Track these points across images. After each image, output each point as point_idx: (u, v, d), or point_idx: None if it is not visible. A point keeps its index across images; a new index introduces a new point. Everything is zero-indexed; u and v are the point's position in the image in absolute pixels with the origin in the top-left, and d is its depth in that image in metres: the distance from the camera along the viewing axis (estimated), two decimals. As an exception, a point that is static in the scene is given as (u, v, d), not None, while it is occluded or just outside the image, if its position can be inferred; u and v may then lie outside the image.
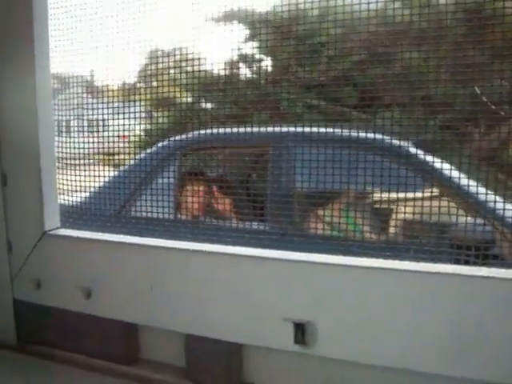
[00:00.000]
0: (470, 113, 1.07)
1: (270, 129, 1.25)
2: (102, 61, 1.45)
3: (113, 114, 1.40)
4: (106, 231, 1.36)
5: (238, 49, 1.35)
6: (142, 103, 1.44)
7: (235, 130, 1.26)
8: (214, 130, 1.33)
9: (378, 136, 1.12)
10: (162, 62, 1.36)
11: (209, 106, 1.46)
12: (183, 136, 1.42)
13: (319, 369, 1.10)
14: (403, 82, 1.12)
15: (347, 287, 1.03)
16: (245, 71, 1.41)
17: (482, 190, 1.01)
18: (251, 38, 1.32)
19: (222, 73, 1.37)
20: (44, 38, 1.37)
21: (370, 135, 1.12)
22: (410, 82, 1.11)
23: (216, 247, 1.20)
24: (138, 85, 1.48)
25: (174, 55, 1.33)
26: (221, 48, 1.33)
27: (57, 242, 1.38)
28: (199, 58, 1.30)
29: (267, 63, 1.38)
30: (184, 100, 1.41)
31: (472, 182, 1.04)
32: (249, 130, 1.25)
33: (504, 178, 1.07)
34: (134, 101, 1.42)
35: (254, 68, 1.38)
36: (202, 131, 1.37)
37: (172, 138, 1.45)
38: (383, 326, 1.00)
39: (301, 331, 1.04)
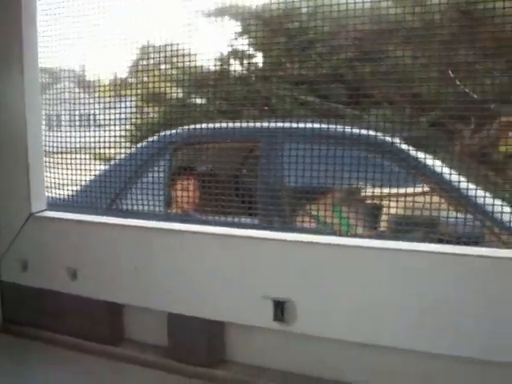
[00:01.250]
0: (460, 110, 1.08)
1: (260, 124, 1.26)
2: (93, 55, 1.46)
3: (102, 108, 1.41)
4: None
5: (230, 45, 1.36)
6: (133, 98, 1.44)
7: (226, 125, 1.27)
8: (205, 125, 1.33)
9: (368, 132, 1.13)
10: (153, 58, 1.36)
11: (200, 101, 1.46)
12: (174, 131, 1.43)
13: (300, 346, 1.12)
14: (393, 79, 1.13)
15: (325, 265, 1.05)
16: (236, 67, 1.42)
17: (470, 186, 1.03)
18: (243, 33, 1.33)
19: (214, 68, 1.37)
20: (32, 33, 1.37)
21: (360, 131, 1.13)
22: (400, 79, 1.13)
23: (197, 227, 1.23)
24: (129, 80, 1.48)
25: (164, 51, 1.33)
26: (212, 43, 1.34)
27: (43, 224, 1.40)
28: (190, 54, 1.31)
29: (258, 59, 1.39)
30: (175, 95, 1.42)
31: (461, 178, 1.05)
32: (239, 125, 1.26)
33: (493, 175, 1.08)
34: (122, 96, 1.42)
35: (245, 64, 1.39)
36: (194, 126, 1.38)
37: (163, 133, 1.45)
38: (361, 303, 1.02)
39: (280, 309, 1.06)
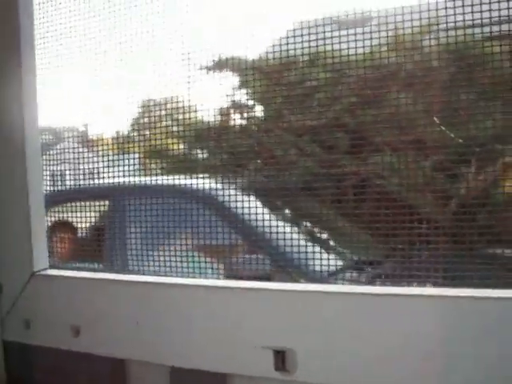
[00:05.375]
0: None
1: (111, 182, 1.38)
2: (96, 113, 1.46)
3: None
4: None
5: (230, 97, 1.35)
6: (136, 154, 1.44)
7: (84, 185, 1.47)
8: (71, 186, 1.52)
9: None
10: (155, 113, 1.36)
11: (203, 155, 1.46)
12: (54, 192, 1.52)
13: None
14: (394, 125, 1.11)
15: (323, 313, 1.05)
16: (237, 119, 1.41)
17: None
18: (242, 85, 1.32)
19: (215, 121, 1.36)
20: (31, 83, 1.41)
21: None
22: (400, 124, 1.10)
23: (194, 281, 1.26)
24: (132, 135, 1.48)
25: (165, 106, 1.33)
26: (212, 97, 1.33)
27: (45, 282, 1.40)
28: (191, 108, 1.30)
29: (259, 110, 1.38)
30: (177, 150, 1.42)
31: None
32: (95, 184, 1.45)
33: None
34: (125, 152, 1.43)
35: (246, 115, 1.38)
36: (60, 188, 1.54)
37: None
38: (360, 350, 1.01)
39: (281, 358, 1.06)
